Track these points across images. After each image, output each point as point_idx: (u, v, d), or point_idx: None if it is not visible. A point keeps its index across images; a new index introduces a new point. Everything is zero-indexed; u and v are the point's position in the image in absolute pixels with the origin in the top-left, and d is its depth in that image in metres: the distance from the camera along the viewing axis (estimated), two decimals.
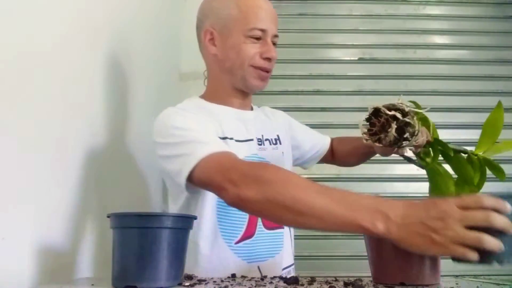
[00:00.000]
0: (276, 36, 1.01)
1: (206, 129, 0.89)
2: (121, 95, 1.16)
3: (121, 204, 1.11)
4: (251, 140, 1.01)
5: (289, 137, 1.15)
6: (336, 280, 0.75)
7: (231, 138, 0.96)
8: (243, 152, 0.94)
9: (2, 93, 0.64)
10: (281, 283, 0.71)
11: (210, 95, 1.03)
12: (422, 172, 1.91)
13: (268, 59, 0.98)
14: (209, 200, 0.93)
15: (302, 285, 0.68)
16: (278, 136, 1.08)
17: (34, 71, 0.72)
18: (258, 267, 0.96)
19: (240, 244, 0.95)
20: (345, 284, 0.67)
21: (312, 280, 0.74)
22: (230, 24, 0.98)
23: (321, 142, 1.23)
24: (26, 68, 0.70)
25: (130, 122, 1.21)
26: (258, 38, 0.97)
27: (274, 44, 1.01)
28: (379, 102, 0.79)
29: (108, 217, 0.68)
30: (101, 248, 0.98)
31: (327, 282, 0.71)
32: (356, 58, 2.05)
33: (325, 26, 2.07)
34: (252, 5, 0.99)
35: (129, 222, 0.66)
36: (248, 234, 0.96)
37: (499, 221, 0.56)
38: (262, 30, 0.97)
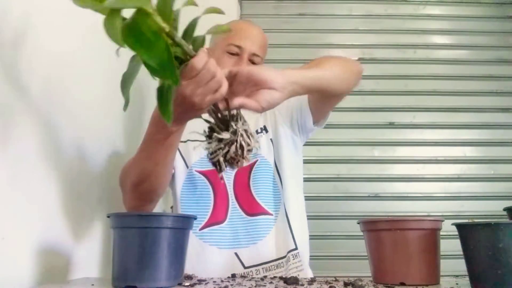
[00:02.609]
0: (255, 55, 1.08)
1: None
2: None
3: (121, 204, 1.11)
4: None
5: (279, 120, 1.12)
6: (336, 280, 0.75)
7: (194, 140, 1.05)
8: None
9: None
10: (281, 283, 0.71)
11: None
12: (422, 172, 1.93)
13: None
14: (176, 189, 1.06)
15: (302, 285, 0.68)
16: (264, 126, 1.14)
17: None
18: (236, 254, 0.99)
19: (206, 230, 1.01)
20: (345, 284, 0.67)
21: (312, 280, 0.74)
22: (217, 43, 1.12)
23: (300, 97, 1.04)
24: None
25: (135, 124, 1.21)
26: (235, 54, 1.07)
27: (253, 62, 1.08)
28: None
29: (108, 217, 0.68)
30: (101, 248, 0.98)
31: (327, 282, 0.71)
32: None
33: (325, 26, 2.07)
34: (236, 26, 1.11)
35: (129, 222, 0.66)
36: (215, 220, 1.02)
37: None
38: (238, 47, 1.07)
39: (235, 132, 0.70)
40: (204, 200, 1.04)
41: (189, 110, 0.69)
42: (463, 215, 1.84)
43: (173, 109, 0.66)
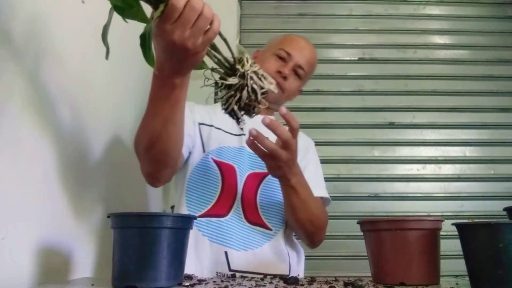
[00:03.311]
0: (300, 67, 1.12)
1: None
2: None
3: (121, 204, 1.11)
4: (243, 135, 1.10)
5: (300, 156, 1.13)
6: (336, 280, 0.75)
7: (218, 128, 1.10)
8: (230, 142, 1.09)
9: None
10: (281, 283, 0.71)
11: None
12: (422, 172, 1.93)
13: (280, 73, 1.09)
14: (186, 169, 1.05)
15: (302, 285, 0.68)
16: None
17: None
18: (226, 252, 0.97)
19: (203, 219, 0.99)
20: (345, 284, 0.67)
21: (312, 280, 0.74)
22: (269, 46, 1.19)
23: None
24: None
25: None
26: (282, 59, 1.12)
27: (296, 73, 1.13)
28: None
29: (108, 217, 0.68)
30: (101, 248, 0.98)
31: (327, 282, 0.71)
32: (356, 58, 2.05)
33: (325, 26, 2.07)
34: (292, 37, 1.19)
35: (129, 222, 0.66)
36: (216, 212, 1.00)
37: None
38: (288, 53, 1.12)
39: (243, 76, 0.65)
40: (210, 188, 1.02)
41: (185, 58, 0.64)
42: (463, 215, 1.84)
43: (168, 59, 0.63)
